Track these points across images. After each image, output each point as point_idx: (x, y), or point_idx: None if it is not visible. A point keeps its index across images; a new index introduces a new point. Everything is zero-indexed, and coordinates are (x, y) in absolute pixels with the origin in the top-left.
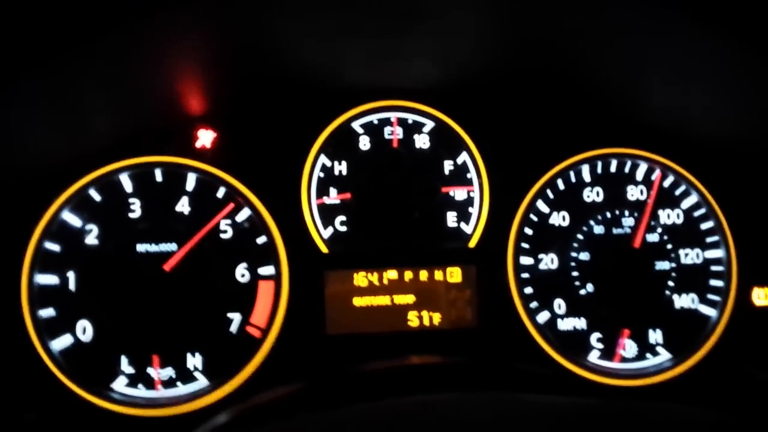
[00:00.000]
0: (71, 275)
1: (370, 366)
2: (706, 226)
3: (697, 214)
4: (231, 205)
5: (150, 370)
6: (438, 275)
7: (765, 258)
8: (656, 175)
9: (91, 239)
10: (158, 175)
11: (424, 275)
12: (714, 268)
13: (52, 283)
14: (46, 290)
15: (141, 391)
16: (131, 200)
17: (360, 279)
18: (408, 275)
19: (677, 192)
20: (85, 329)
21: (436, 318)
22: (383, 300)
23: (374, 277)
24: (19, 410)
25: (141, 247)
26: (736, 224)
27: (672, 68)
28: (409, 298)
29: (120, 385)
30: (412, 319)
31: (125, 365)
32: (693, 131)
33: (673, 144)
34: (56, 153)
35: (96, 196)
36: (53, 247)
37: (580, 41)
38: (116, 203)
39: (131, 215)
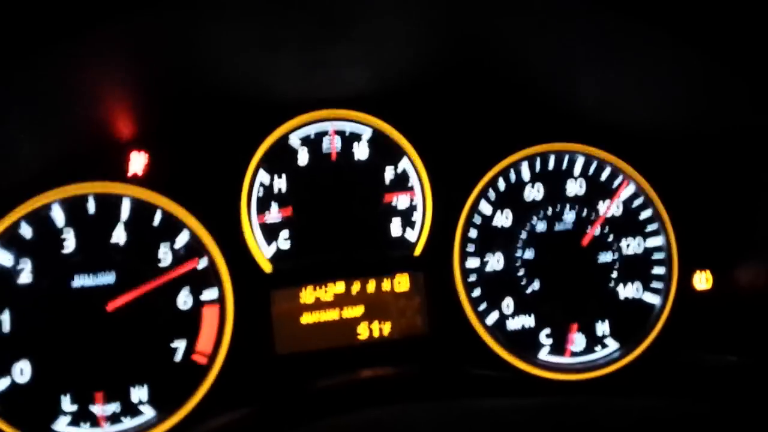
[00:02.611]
0: (5, 316)
1: (321, 383)
2: (645, 215)
3: (635, 204)
4: (195, 260)
5: (93, 407)
6: (386, 285)
7: (704, 242)
8: (618, 181)
9: (24, 277)
10: (91, 205)
11: (371, 286)
12: (655, 255)
13: None
14: None
15: (85, 430)
16: (64, 232)
17: (307, 295)
18: (355, 287)
19: (615, 184)
20: (22, 370)
21: (386, 328)
22: (332, 315)
23: (321, 292)
24: None
25: (77, 282)
26: (674, 211)
27: (603, 61)
28: (358, 311)
29: (62, 425)
30: (362, 332)
31: (67, 404)
32: (627, 122)
33: (608, 135)
34: None
35: (27, 231)
36: None
37: (509, 39)
38: (49, 237)
39: (65, 249)
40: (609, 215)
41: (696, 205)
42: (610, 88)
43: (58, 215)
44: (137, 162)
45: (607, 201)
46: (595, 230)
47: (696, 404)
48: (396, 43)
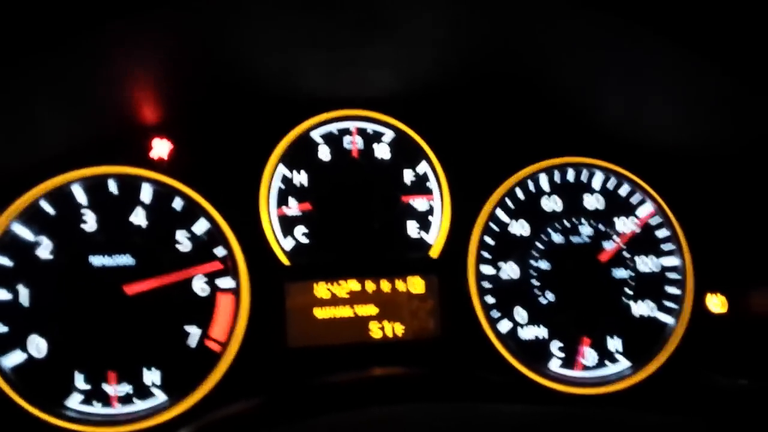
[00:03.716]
0: (23, 290)
1: (331, 378)
2: (662, 234)
3: (653, 222)
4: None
5: (106, 387)
6: (400, 286)
7: (719, 265)
8: (647, 212)
9: (44, 252)
10: (112, 186)
11: (386, 286)
12: (670, 275)
13: (2, 299)
14: None
15: (97, 408)
16: (84, 212)
17: (321, 290)
18: (370, 286)
19: (633, 200)
20: (37, 345)
21: (399, 329)
22: (345, 311)
23: (336, 289)
24: None
25: (95, 260)
26: (691, 232)
27: (628, 78)
28: (371, 309)
29: (75, 402)
30: (375, 331)
31: (80, 382)
32: (648, 140)
33: (628, 153)
34: (6, 163)
35: (48, 207)
36: (4, 260)
37: (537, 51)
38: (69, 215)
39: (85, 227)
40: (628, 232)
41: (713, 228)
42: (634, 105)
43: (79, 194)
44: (160, 148)
45: (630, 221)
46: (607, 242)
47: (703, 424)
48: (425, 48)
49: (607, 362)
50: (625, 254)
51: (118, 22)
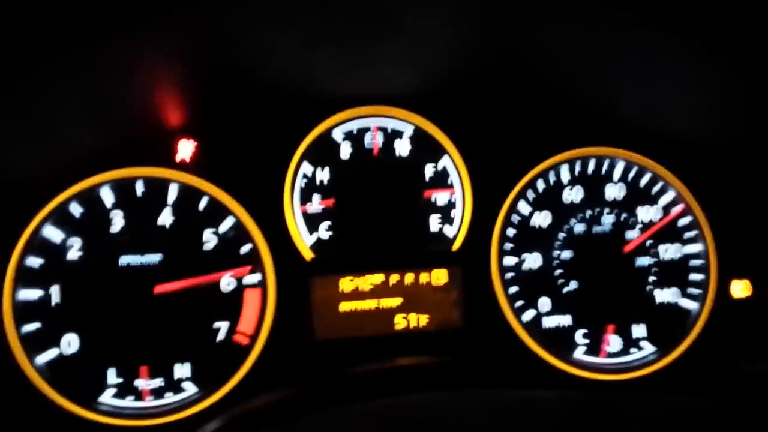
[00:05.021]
0: (54, 289)
1: (359, 369)
2: (684, 221)
3: (674, 210)
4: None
5: (138, 381)
6: (423, 278)
7: (742, 251)
8: (677, 210)
9: (74, 253)
10: (139, 188)
11: (409, 278)
12: (693, 262)
13: (35, 298)
14: (29, 305)
15: (129, 402)
16: (113, 213)
17: (346, 284)
18: (394, 278)
19: (654, 189)
20: (70, 342)
21: (423, 320)
22: (370, 304)
23: (360, 282)
24: (6, 427)
25: (124, 260)
26: (713, 219)
27: (646, 69)
28: (396, 301)
29: (108, 396)
30: (399, 322)
31: (112, 377)
32: (667, 129)
33: (649, 142)
34: (35, 167)
35: (77, 210)
36: (35, 261)
37: (555, 46)
38: (98, 217)
39: (113, 228)
40: (653, 224)
41: (735, 213)
42: (653, 95)
43: (107, 196)
44: (185, 149)
45: (646, 206)
46: (629, 231)
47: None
48: (441, 44)
49: (631, 349)
50: (648, 243)
51: (142, 27)
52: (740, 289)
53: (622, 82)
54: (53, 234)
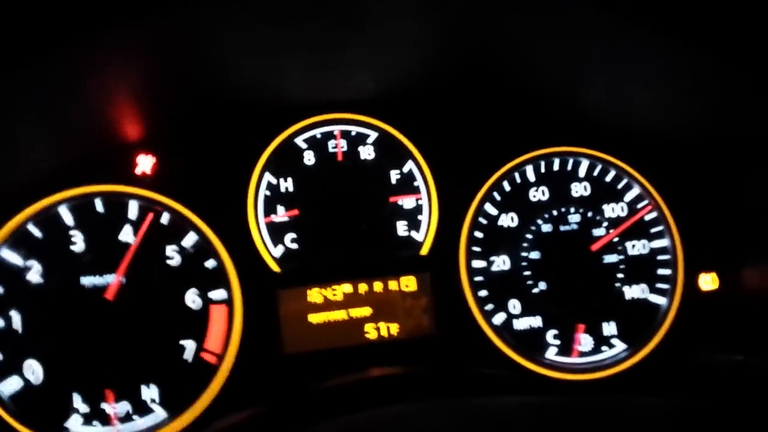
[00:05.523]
0: (15, 315)
1: (330, 382)
2: (650, 217)
3: (640, 205)
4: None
5: (105, 406)
6: (393, 285)
7: (709, 244)
8: (644, 207)
9: (34, 276)
10: (99, 205)
11: (378, 286)
12: (660, 257)
13: None
14: None
15: (97, 429)
16: (72, 233)
17: (314, 295)
18: (362, 287)
19: (620, 186)
20: (33, 370)
21: (394, 328)
22: (339, 315)
23: (328, 292)
24: None
25: (86, 281)
26: (678, 213)
27: (608, 64)
28: (366, 311)
29: (75, 423)
30: (370, 332)
31: (78, 403)
32: (631, 125)
33: (613, 139)
34: None
35: (35, 231)
36: None
37: (514, 42)
38: (57, 237)
39: (73, 248)
40: (614, 216)
41: (701, 207)
42: (615, 91)
43: (66, 216)
44: (145, 164)
45: (612, 203)
46: (596, 229)
47: (700, 403)
48: (402, 46)
49: (603, 347)
50: (615, 239)
51: (95, 38)
52: (708, 282)
53: (584, 78)
54: (11, 257)
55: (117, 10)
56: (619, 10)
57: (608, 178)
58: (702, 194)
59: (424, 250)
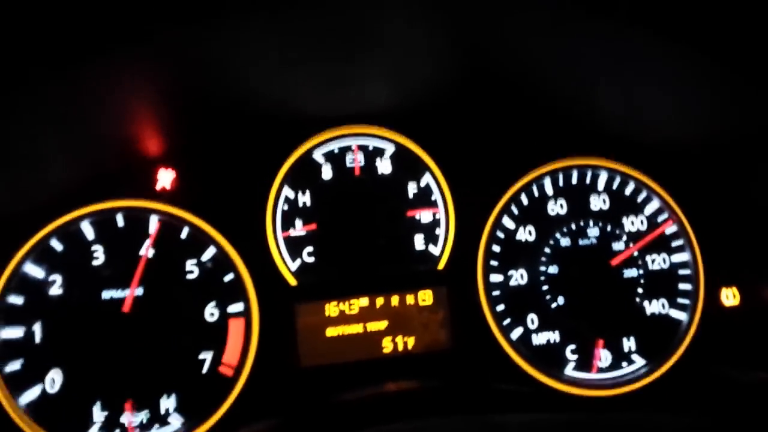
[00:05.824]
0: (37, 327)
1: (346, 396)
2: (670, 230)
3: (660, 219)
4: None
5: (123, 416)
6: (409, 299)
7: (730, 258)
8: (664, 220)
9: (56, 289)
10: (120, 220)
11: (395, 300)
12: (681, 271)
13: (16, 337)
14: (11, 344)
15: None
16: (94, 247)
17: (331, 309)
18: (379, 301)
19: (639, 198)
20: (54, 380)
21: (411, 342)
22: (356, 328)
23: (345, 306)
24: None
25: (107, 294)
26: (699, 227)
27: (625, 76)
28: (382, 325)
29: None
30: (387, 345)
31: (98, 413)
32: (650, 137)
33: (632, 151)
34: (14, 203)
35: (58, 245)
36: (16, 300)
37: (532, 54)
38: (79, 252)
39: (95, 263)
40: (634, 230)
41: (722, 221)
42: (633, 102)
43: (87, 230)
44: (165, 178)
45: (631, 216)
46: (615, 243)
47: (722, 420)
48: (418, 59)
49: (623, 363)
50: (635, 253)
51: (118, 56)
52: (730, 297)
53: (602, 91)
54: (34, 271)
55: (136, 28)
56: (642, 21)
57: (628, 191)
58: (723, 207)
59: (441, 265)
